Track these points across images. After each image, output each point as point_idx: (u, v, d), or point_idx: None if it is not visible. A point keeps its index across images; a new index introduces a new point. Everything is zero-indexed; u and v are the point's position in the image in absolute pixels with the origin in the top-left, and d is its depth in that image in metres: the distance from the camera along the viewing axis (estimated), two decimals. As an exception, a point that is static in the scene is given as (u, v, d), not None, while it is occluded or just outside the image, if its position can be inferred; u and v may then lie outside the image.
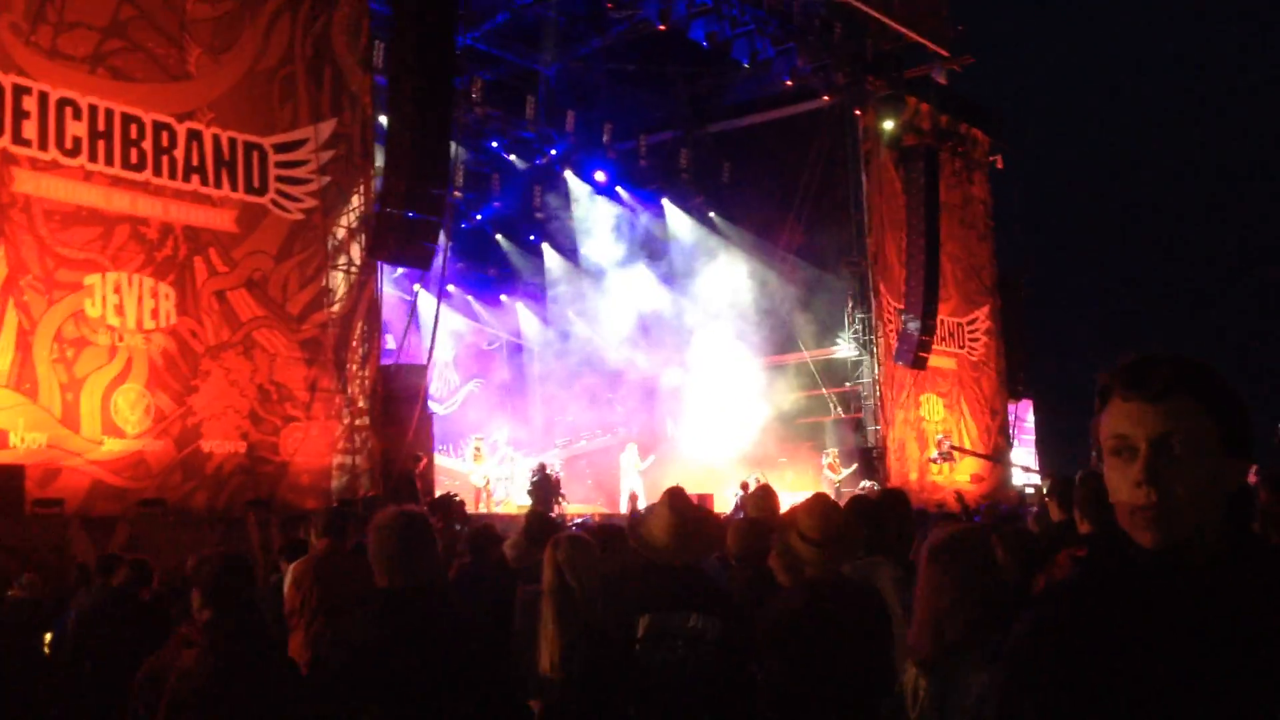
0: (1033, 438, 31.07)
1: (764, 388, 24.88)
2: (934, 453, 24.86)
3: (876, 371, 24.93)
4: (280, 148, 14.99)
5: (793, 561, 4.12)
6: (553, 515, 18.34)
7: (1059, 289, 43.10)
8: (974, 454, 25.73)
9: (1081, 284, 47.48)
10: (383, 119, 16.66)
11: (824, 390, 25.54)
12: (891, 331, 25.05)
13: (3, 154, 12.35)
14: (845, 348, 25.44)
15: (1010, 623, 1.86)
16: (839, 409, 25.47)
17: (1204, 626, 1.67)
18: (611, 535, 5.10)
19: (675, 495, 4.35)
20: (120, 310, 13.10)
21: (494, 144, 25.13)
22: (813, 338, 25.53)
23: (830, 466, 23.10)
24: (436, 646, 3.28)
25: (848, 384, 25.45)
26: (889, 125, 25.02)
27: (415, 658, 3.23)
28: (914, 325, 24.42)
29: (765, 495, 6.42)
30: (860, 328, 25.21)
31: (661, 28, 20.81)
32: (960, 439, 26.51)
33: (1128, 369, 1.78)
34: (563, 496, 19.75)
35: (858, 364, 25.30)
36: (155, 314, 13.42)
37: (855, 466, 23.40)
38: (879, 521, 4.85)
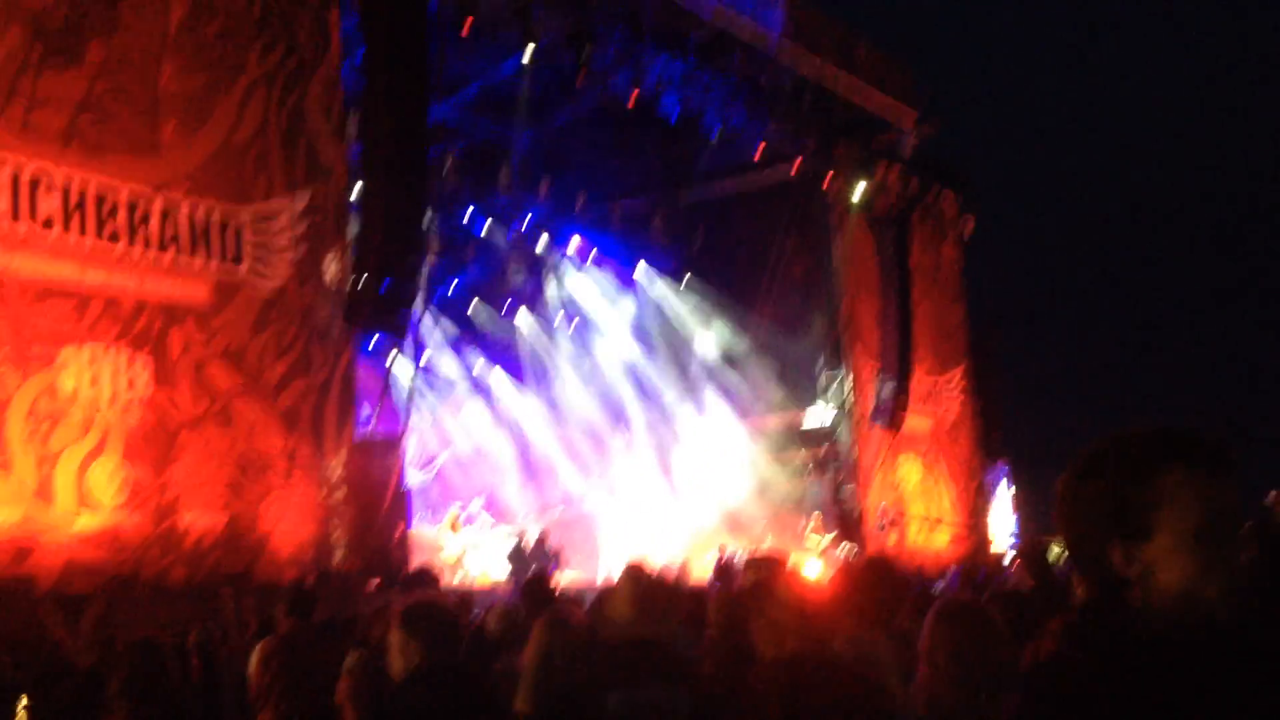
0: (1009, 499, 31.12)
1: (742, 452, 24.88)
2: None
3: (853, 434, 24.98)
4: (256, 219, 15.00)
5: (775, 635, 4.11)
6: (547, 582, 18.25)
7: (1035, 348, 43.38)
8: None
9: (1057, 343, 47.82)
10: (358, 188, 16.71)
11: (802, 453, 25.56)
12: (867, 394, 25.14)
13: (-26, 230, 12.32)
14: (822, 411, 25.50)
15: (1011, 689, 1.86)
16: (817, 472, 25.46)
17: (1221, 698, 1.67)
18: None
19: (635, 569, 4.34)
20: (95, 383, 13.01)
21: (468, 212, 25.26)
22: (789, 401, 25.60)
23: (811, 530, 23.07)
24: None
25: (825, 446, 25.48)
26: (859, 190, 25.31)
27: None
28: (890, 388, 24.53)
29: (767, 563, 6.25)
30: (836, 390, 25.30)
31: (630, 105, 21.04)
32: (939, 500, 26.52)
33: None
34: (561, 562, 19.63)
35: (834, 427, 25.34)
36: (131, 385, 13.33)
37: (835, 532, 23.36)
38: (864, 590, 4.85)
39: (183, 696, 5.64)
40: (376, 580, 15.03)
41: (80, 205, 13.19)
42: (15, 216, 12.62)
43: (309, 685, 5.73)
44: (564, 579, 18.84)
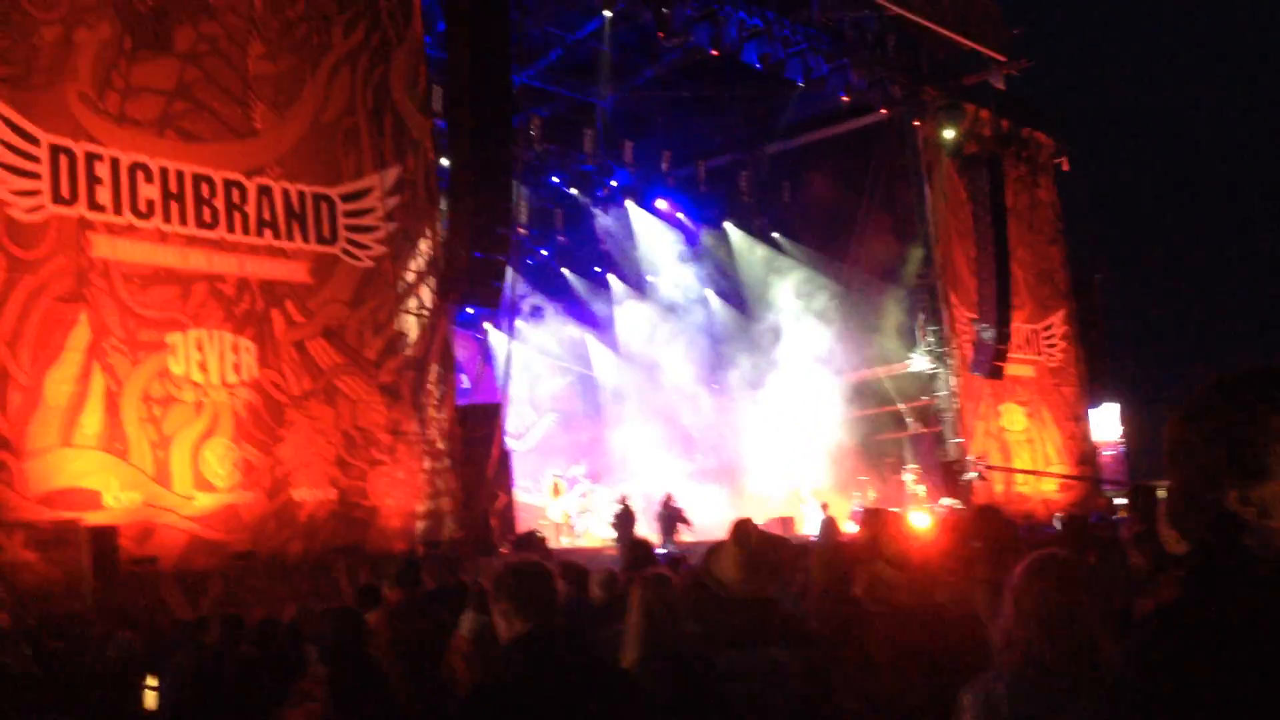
0: (1120, 443, 30.47)
1: (840, 406, 24.72)
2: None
3: (953, 384, 24.67)
4: (347, 197, 15.23)
5: (883, 589, 4.09)
6: (666, 544, 18.37)
7: (1138, 289, 42.33)
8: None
9: (1160, 281, 46.60)
10: (445, 161, 16.86)
11: (900, 406, 25.33)
12: (966, 342, 24.78)
13: (80, 221, 12.67)
14: (920, 361, 25.21)
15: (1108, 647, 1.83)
16: (917, 423, 25.23)
17: None
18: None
19: (741, 528, 4.31)
20: (204, 366, 13.36)
21: (555, 179, 25.32)
22: (886, 353, 25.35)
23: (911, 482, 22.91)
24: (573, 690, 3.30)
25: (925, 398, 25.22)
26: (949, 134, 24.84)
27: (555, 703, 3.24)
28: (989, 335, 24.14)
29: (877, 517, 6.12)
30: (934, 340, 24.98)
31: (714, 53, 20.86)
32: (1043, 447, 26.11)
33: None
34: (686, 523, 19.65)
35: (933, 377, 25.05)
36: (237, 368, 13.67)
37: (935, 483, 23.14)
38: (972, 540, 4.80)
39: (374, 662, 5.80)
40: (484, 547, 15.25)
41: (179, 192, 13.50)
42: (118, 207, 12.96)
43: (420, 654, 5.86)
44: (685, 539, 18.85)
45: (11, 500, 11.52)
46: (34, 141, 12.39)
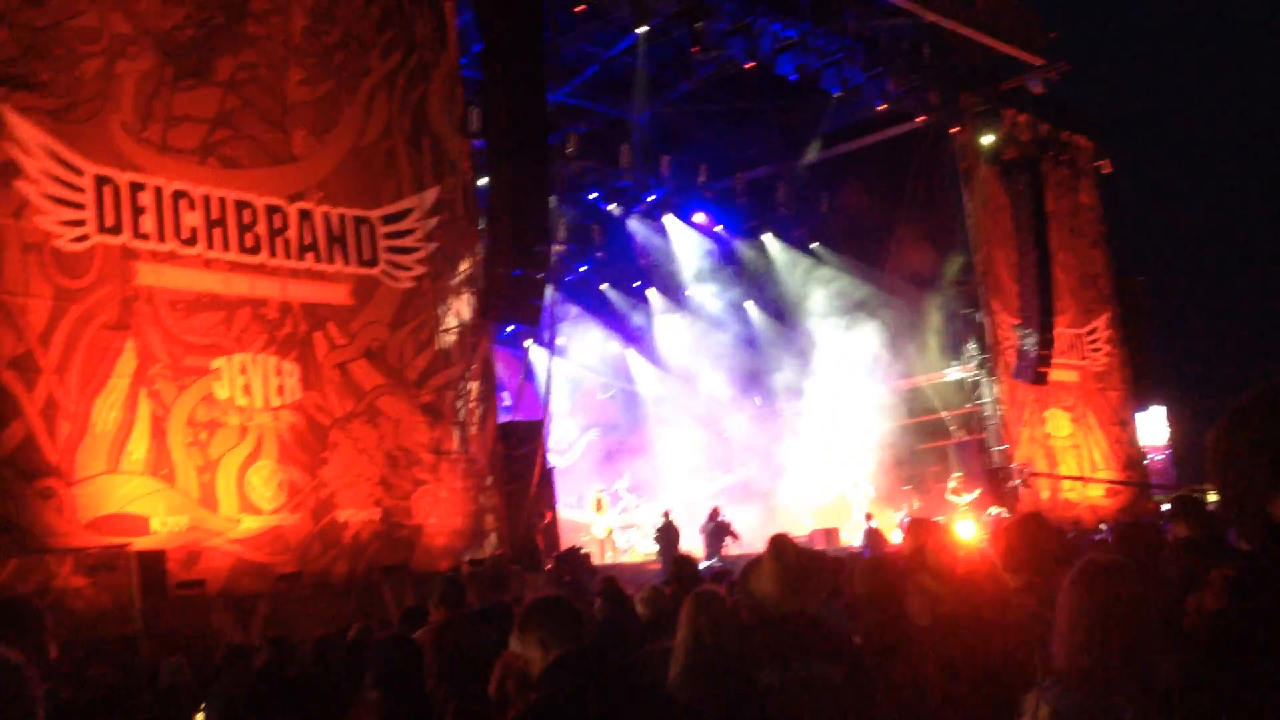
0: (1168, 447, 30.11)
1: (883, 415, 24.59)
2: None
3: (997, 391, 24.47)
4: (387, 219, 15.34)
5: (929, 601, 4.05)
6: (713, 558, 18.34)
7: (1182, 291, 41.82)
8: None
9: (1205, 283, 46.02)
10: (483, 181, 16.95)
11: (944, 414, 25.16)
12: (1009, 348, 24.59)
13: (124, 249, 12.84)
14: (962, 368, 25.04)
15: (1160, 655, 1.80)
16: (961, 431, 25.04)
17: None
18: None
19: (779, 543, 4.29)
20: (248, 390, 13.49)
21: (592, 195, 25.42)
22: (928, 361, 25.20)
23: (954, 491, 22.70)
24: (618, 708, 3.32)
25: (968, 405, 25.03)
26: (988, 140, 24.68)
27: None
28: (1032, 340, 23.94)
29: (919, 529, 6.10)
30: (976, 347, 24.80)
31: (749, 65, 20.86)
32: (1089, 452, 25.84)
33: None
34: (734, 536, 19.63)
35: (976, 384, 24.87)
36: (281, 391, 13.79)
37: (979, 490, 22.93)
38: (1019, 549, 4.74)
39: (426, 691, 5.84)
40: (532, 563, 15.27)
41: (221, 219, 13.66)
42: (161, 234, 13.12)
43: (466, 673, 5.86)
44: (732, 552, 18.79)
45: (61, 526, 11.68)
46: (78, 173, 12.58)
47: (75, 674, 7.70)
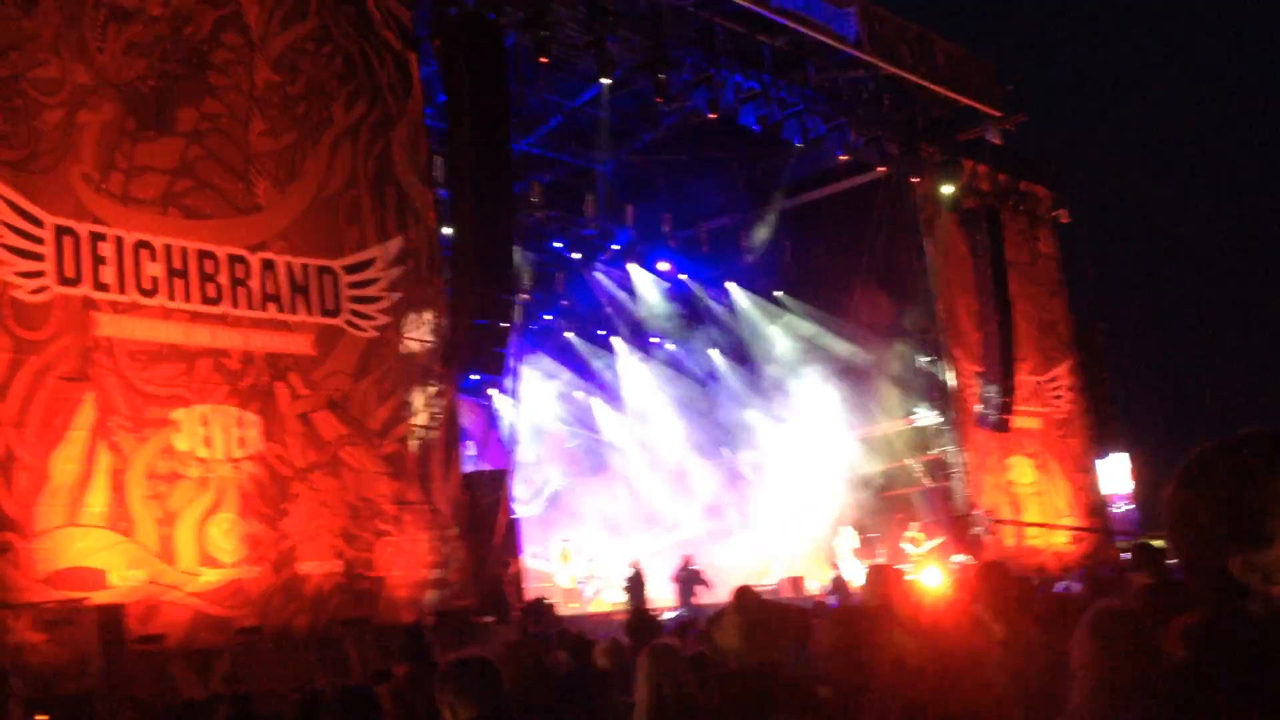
0: (1132, 495, 30.28)
1: (847, 463, 24.64)
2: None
3: (959, 438, 24.58)
4: (351, 269, 15.30)
5: (895, 651, 4.04)
6: (685, 607, 18.20)
7: (1143, 338, 42.28)
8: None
9: (1167, 330, 46.53)
10: (447, 230, 16.95)
11: (907, 461, 25.23)
12: (971, 396, 24.74)
13: (84, 300, 12.72)
14: (926, 415, 25.16)
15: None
16: (925, 479, 25.11)
17: None
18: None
19: (742, 595, 4.29)
20: (208, 442, 13.34)
21: (557, 244, 25.48)
22: (891, 408, 25.30)
23: (912, 540, 22.69)
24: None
25: (931, 453, 25.12)
26: (947, 190, 24.97)
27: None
28: (994, 388, 24.12)
29: (878, 577, 6.06)
30: (939, 395, 24.94)
31: (712, 116, 21.06)
32: (1053, 499, 25.97)
33: None
34: (706, 585, 19.42)
35: (939, 431, 24.97)
36: (242, 442, 13.65)
37: (941, 539, 22.95)
38: (983, 597, 4.74)
39: None
40: (492, 617, 15.14)
41: (182, 269, 13.57)
42: (121, 286, 13.02)
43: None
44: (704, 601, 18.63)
45: (19, 581, 11.47)
46: (38, 224, 12.47)
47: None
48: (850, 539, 22.66)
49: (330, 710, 5.79)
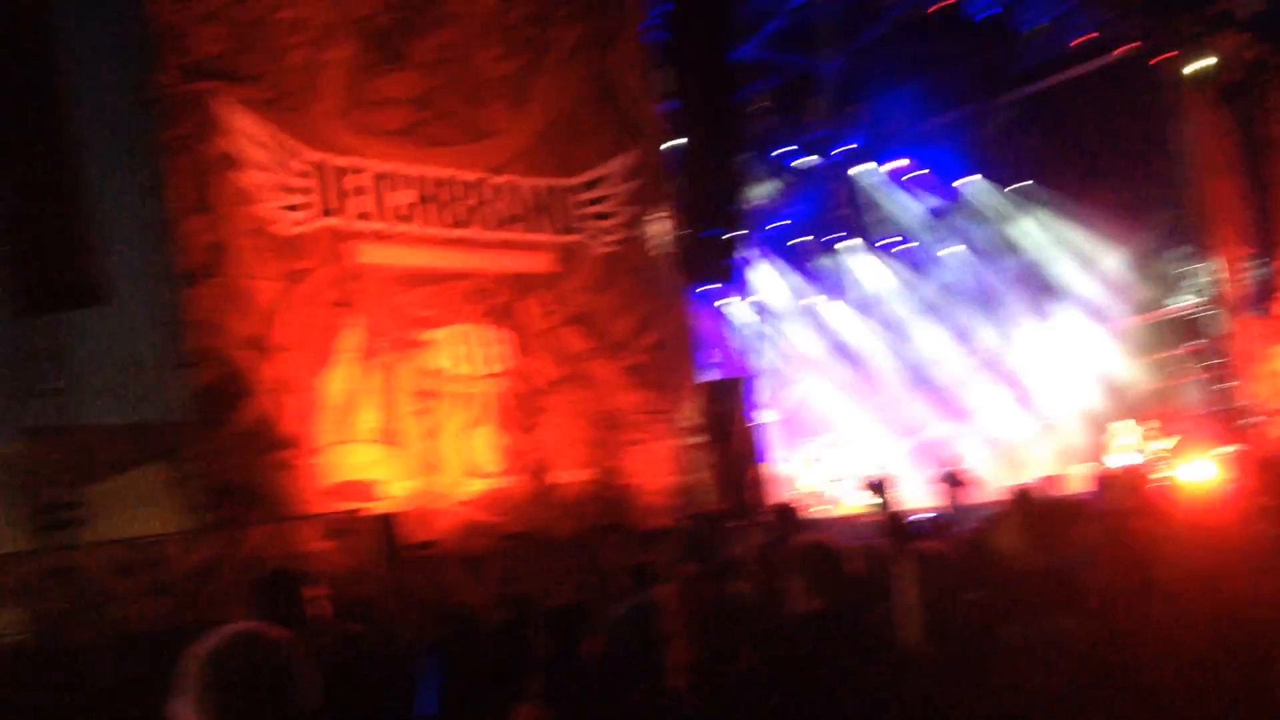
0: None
1: (1104, 357, 23.75)
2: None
3: (1224, 325, 23.30)
4: (586, 186, 15.61)
5: (1173, 554, 3.94)
6: (947, 507, 18.06)
7: None
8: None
9: None
10: (674, 143, 17.00)
11: (1167, 352, 24.10)
12: (1232, 282, 23.34)
13: (344, 230, 13.46)
14: (1184, 304, 23.91)
15: None
16: (1189, 369, 23.94)
17: None
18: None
19: (1022, 496, 4.24)
20: (468, 358, 14.04)
21: (785, 149, 25.16)
22: (1151, 298, 24.16)
23: (1154, 437, 21.62)
24: (862, 667, 3.37)
25: (1195, 342, 23.90)
26: (1202, 64, 23.35)
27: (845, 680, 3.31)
28: (1259, 272, 22.67)
29: (1123, 482, 5.95)
30: (1197, 282, 23.64)
31: (934, 9, 20.24)
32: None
33: None
34: (967, 485, 19.17)
35: (1199, 320, 23.71)
36: (497, 359, 14.28)
37: (1180, 436, 21.79)
38: (1260, 494, 4.58)
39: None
40: (741, 518, 15.39)
41: (432, 196, 14.16)
42: (380, 213, 13.71)
43: (707, 627, 5.92)
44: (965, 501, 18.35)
45: (302, 494, 12.40)
46: (298, 158, 13.21)
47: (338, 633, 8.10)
48: (1123, 433, 21.79)
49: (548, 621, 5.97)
